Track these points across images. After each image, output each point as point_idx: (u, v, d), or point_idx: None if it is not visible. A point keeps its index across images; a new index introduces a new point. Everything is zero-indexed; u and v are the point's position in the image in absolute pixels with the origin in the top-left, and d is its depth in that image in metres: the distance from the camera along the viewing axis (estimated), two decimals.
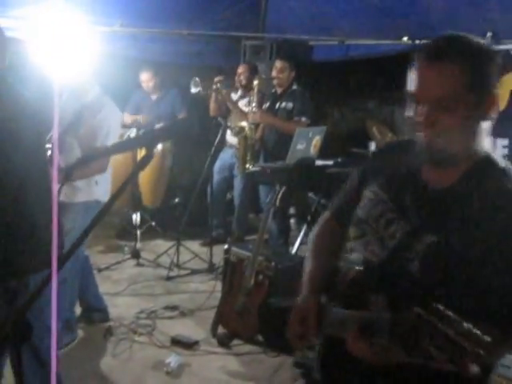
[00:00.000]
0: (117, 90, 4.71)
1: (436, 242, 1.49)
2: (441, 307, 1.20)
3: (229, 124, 5.59)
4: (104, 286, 4.44)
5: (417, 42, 5.13)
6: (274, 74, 5.45)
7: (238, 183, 5.92)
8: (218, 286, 4.57)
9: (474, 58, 1.45)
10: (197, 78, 5.49)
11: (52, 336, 2.29)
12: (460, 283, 1.44)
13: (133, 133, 5.53)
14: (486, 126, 1.52)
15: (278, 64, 5.43)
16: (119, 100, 6.00)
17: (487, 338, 1.14)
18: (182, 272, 5.22)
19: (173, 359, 3.63)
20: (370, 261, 1.63)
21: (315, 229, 1.91)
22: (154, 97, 6.24)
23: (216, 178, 5.93)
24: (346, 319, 1.54)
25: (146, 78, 6.11)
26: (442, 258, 1.47)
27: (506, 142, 4.64)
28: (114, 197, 1.55)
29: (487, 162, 1.54)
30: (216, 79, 5.52)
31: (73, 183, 3.53)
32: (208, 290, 4.72)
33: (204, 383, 3.51)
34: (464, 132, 1.48)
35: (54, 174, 2.21)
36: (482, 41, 1.49)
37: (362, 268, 1.65)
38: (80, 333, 3.98)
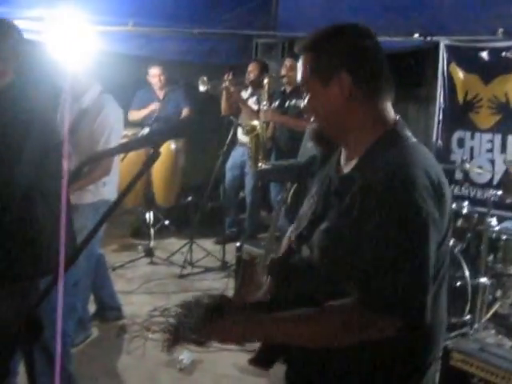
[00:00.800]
0: (128, 89, 4.76)
1: (327, 229, 1.53)
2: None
3: (240, 122, 5.62)
4: (118, 285, 4.48)
5: (428, 38, 5.11)
6: (283, 72, 5.45)
7: (248, 181, 5.95)
8: (231, 283, 4.60)
9: (320, 46, 1.58)
10: (204, 77, 5.52)
11: (60, 336, 2.32)
12: (346, 266, 1.46)
13: (146, 132, 5.55)
14: (363, 105, 1.55)
15: (288, 62, 5.44)
16: (130, 99, 6.05)
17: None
18: (195, 270, 5.25)
19: (185, 356, 3.66)
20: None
21: None
22: (160, 94, 6.19)
23: (228, 176, 5.98)
24: None
25: (155, 73, 6.08)
26: (331, 244, 1.50)
27: None
28: (122, 195, 1.57)
29: (384, 141, 1.55)
30: (225, 77, 5.54)
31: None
32: (221, 287, 4.74)
33: (216, 379, 3.55)
34: (327, 113, 1.57)
35: (65, 176, 2.21)
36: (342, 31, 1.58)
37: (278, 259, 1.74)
38: (94, 331, 4.03)
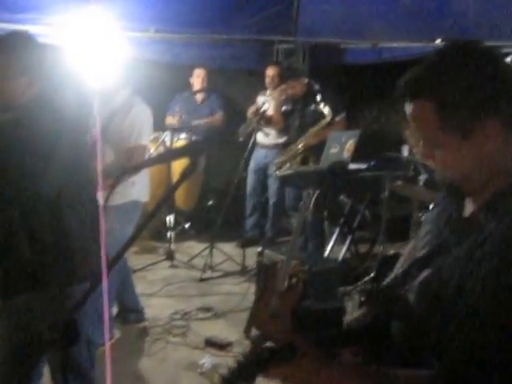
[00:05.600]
0: (151, 94, 4.78)
1: (430, 276, 1.34)
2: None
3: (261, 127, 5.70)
4: (139, 287, 4.51)
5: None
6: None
7: (272, 183, 5.98)
8: (252, 288, 4.61)
9: (447, 92, 1.23)
10: (238, 130, 5.74)
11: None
12: (449, 322, 1.25)
13: (167, 136, 5.60)
14: (500, 149, 1.28)
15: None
16: (154, 104, 6.14)
17: None
18: (216, 274, 5.28)
19: (206, 360, 3.68)
20: None
21: None
22: (199, 98, 6.36)
23: (252, 178, 6.03)
24: None
25: (199, 74, 6.25)
26: (431, 292, 1.31)
27: None
28: (158, 206, 1.57)
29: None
30: (251, 113, 5.73)
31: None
32: (241, 291, 4.76)
33: None
34: (461, 170, 1.30)
35: (99, 183, 2.22)
36: (478, 49, 1.27)
37: None
38: (116, 333, 4.06)
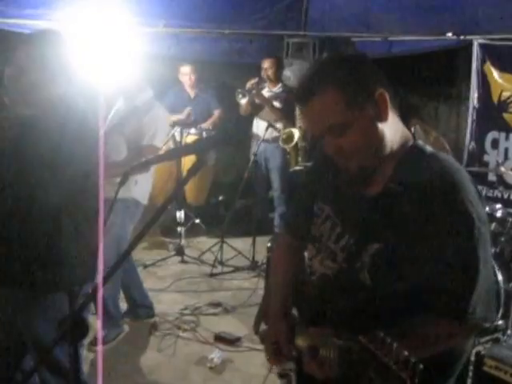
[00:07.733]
0: (160, 89, 4.78)
1: (380, 249, 1.50)
2: (380, 334, 1.20)
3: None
4: (149, 282, 4.52)
5: (462, 37, 5.04)
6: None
7: (274, 176, 5.94)
8: (261, 283, 4.61)
9: (340, 77, 1.47)
10: (239, 89, 5.60)
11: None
12: (408, 283, 1.46)
13: (177, 131, 5.58)
14: (392, 120, 1.52)
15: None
16: (161, 99, 6.12)
17: (421, 366, 1.14)
18: (226, 269, 5.27)
19: (216, 355, 3.70)
20: (326, 274, 1.67)
21: (274, 248, 2.00)
22: (191, 93, 6.26)
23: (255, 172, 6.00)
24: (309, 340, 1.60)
25: (185, 72, 6.13)
26: (388, 263, 1.49)
27: None
28: (167, 203, 1.58)
29: (412, 153, 1.54)
30: (251, 83, 5.64)
31: (114, 180, 3.54)
32: (251, 287, 4.76)
33: (246, 379, 3.55)
34: (371, 142, 1.49)
35: (101, 183, 2.19)
36: (347, 52, 1.52)
37: (319, 283, 1.69)
38: (126, 328, 4.08)
